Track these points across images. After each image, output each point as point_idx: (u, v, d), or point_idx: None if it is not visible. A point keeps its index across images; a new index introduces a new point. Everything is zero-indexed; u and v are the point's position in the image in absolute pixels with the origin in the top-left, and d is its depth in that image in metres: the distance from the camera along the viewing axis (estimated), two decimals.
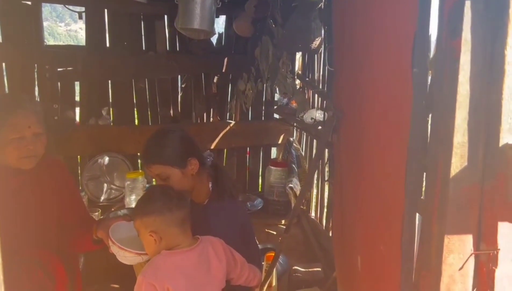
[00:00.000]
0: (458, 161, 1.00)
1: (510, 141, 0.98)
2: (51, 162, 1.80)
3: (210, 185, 1.77)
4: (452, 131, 0.99)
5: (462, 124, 0.99)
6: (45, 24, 3.17)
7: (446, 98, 1.01)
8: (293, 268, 2.56)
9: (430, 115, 1.15)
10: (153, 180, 3.33)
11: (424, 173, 1.17)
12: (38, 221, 1.70)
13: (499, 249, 1.03)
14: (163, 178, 1.63)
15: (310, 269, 2.56)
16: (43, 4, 2.90)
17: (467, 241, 1.05)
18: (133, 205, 2.82)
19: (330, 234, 2.72)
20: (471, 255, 1.05)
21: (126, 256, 1.52)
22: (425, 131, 1.18)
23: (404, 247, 1.20)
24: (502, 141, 0.99)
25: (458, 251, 1.04)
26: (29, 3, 2.81)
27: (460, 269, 1.05)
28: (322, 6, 2.37)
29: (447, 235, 1.03)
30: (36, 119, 1.62)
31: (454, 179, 1.01)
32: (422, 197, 1.19)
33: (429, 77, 1.26)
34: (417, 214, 1.24)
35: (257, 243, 1.93)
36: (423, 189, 1.20)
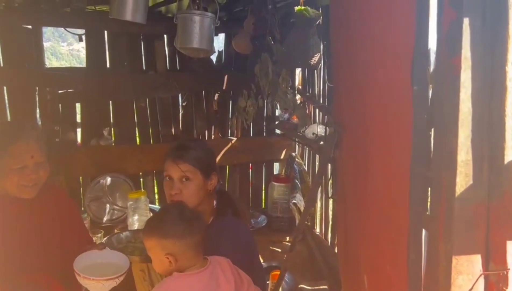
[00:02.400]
0: (463, 180, 0.98)
1: None
2: (51, 186, 1.79)
3: (214, 204, 1.76)
4: (456, 150, 0.97)
5: (465, 142, 0.97)
6: (47, 44, 3.22)
7: (448, 116, 0.99)
8: (299, 286, 2.52)
9: (432, 130, 1.14)
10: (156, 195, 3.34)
11: (429, 188, 1.15)
12: (39, 246, 1.68)
13: (509, 269, 1.01)
14: (183, 181, 1.62)
15: (316, 287, 2.52)
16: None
17: (476, 261, 1.02)
18: (136, 225, 2.81)
19: (336, 250, 2.68)
20: (480, 275, 1.02)
21: (94, 285, 1.51)
22: (427, 147, 1.16)
23: (410, 268, 1.17)
24: (507, 159, 0.97)
25: (467, 272, 1.02)
26: (30, 27, 2.84)
27: (470, 290, 1.02)
28: (320, 22, 2.38)
29: (455, 256, 1.01)
30: (39, 148, 1.60)
31: (460, 198, 0.99)
32: (428, 213, 1.17)
33: (430, 92, 1.25)
34: (424, 232, 1.22)
35: (261, 262, 1.91)
36: (429, 204, 1.18)
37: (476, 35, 0.95)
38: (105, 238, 2.08)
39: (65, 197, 1.86)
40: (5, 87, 2.84)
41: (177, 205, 1.56)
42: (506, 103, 0.95)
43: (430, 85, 1.22)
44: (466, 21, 0.94)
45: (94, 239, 2.63)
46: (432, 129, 1.13)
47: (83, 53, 3.13)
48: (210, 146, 1.80)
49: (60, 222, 1.76)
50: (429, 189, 1.15)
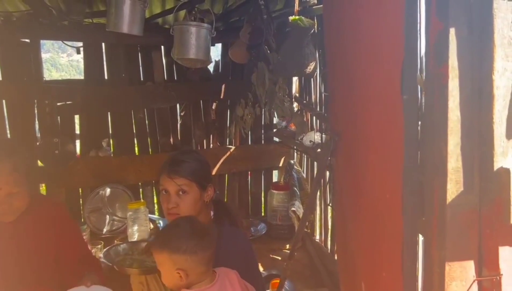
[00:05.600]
0: (454, 187, 1.00)
1: (504, 165, 0.98)
2: (51, 205, 1.78)
3: (211, 214, 1.77)
4: (446, 157, 0.99)
5: (455, 150, 0.99)
6: (47, 55, 3.26)
7: (438, 124, 1.01)
8: None
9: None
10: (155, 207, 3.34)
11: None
12: (34, 263, 1.68)
13: (501, 274, 1.02)
14: (180, 194, 1.62)
15: None
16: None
17: (469, 267, 1.03)
18: (136, 236, 2.82)
19: (335, 258, 2.68)
20: (474, 281, 1.03)
21: None
22: (420, 154, 1.17)
23: (405, 274, 1.18)
24: (496, 165, 0.98)
25: (460, 278, 1.02)
26: (28, 40, 2.87)
27: None
28: (315, 31, 2.40)
29: (448, 262, 1.02)
30: (11, 179, 1.56)
31: (451, 205, 1.00)
32: (423, 218, 1.18)
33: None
34: (420, 238, 1.22)
35: (260, 271, 1.91)
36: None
37: (463, 44, 0.96)
38: (103, 251, 2.08)
39: (63, 214, 1.84)
40: (4, 101, 2.86)
41: (188, 219, 1.53)
42: (494, 111, 0.96)
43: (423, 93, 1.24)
44: (452, 31, 0.95)
45: (93, 250, 2.65)
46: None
47: (82, 64, 3.16)
48: (205, 157, 1.78)
49: (57, 239, 1.75)
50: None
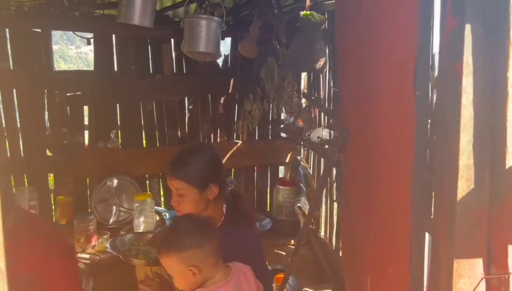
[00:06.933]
0: (464, 184, 0.99)
1: None
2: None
3: (224, 208, 1.75)
4: (457, 154, 0.99)
5: (467, 147, 0.99)
6: (56, 47, 3.27)
7: (450, 121, 1.01)
8: (303, 289, 2.53)
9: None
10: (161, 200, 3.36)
11: (433, 192, 1.16)
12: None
13: (510, 273, 1.02)
14: (180, 194, 1.62)
15: None
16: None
17: (477, 265, 1.03)
18: (142, 227, 2.84)
19: (340, 254, 2.69)
20: (482, 279, 1.03)
21: None
22: (430, 151, 1.17)
23: (412, 271, 1.18)
24: (508, 164, 0.98)
25: (468, 275, 1.02)
26: (39, 30, 2.88)
27: None
28: (326, 27, 2.40)
29: (456, 259, 1.02)
30: None
31: (461, 202, 1.00)
32: (432, 216, 1.18)
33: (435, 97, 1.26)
34: (427, 236, 1.22)
35: (269, 269, 1.89)
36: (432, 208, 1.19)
37: (478, 41, 0.96)
38: (110, 240, 2.10)
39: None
40: (14, 90, 2.88)
41: (187, 216, 1.52)
42: (508, 109, 0.96)
43: (434, 90, 1.24)
44: (467, 28, 0.95)
45: (100, 240, 2.68)
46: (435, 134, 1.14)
47: (90, 56, 3.17)
48: (214, 153, 1.72)
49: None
50: (433, 193, 1.16)
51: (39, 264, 1.43)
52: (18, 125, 2.92)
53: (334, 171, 2.54)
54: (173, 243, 1.35)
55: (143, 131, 3.31)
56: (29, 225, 1.50)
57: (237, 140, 3.50)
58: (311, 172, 3.38)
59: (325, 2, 2.58)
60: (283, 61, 2.60)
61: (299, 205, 2.89)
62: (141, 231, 2.79)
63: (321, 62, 2.31)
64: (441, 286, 1.06)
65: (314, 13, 2.27)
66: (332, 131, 2.25)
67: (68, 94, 3.00)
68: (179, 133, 3.37)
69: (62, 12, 2.82)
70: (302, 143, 3.22)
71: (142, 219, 2.86)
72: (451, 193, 1.01)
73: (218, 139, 3.52)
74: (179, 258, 1.33)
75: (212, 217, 1.71)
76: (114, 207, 3.11)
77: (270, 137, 3.60)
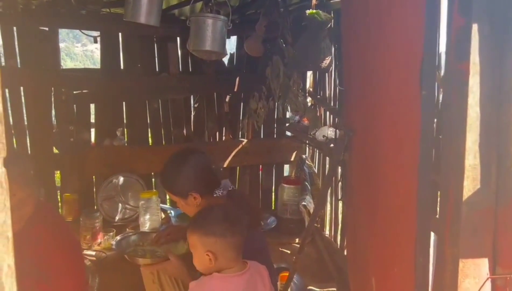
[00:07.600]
0: (470, 184, 0.99)
1: None
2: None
3: None
4: (463, 154, 0.98)
5: (473, 146, 0.98)
6: (62, 45, 3.28)
7: (456, 120, 1.00)
8: (308, 288, 2.53)
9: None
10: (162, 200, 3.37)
11: (438, 192, 1.16)
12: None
13: None
14: (174, 200, 1.73)
15: (325, 289, 2.52)
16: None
17: (483, 265, 1.03)
18: (148, 225, 2.85)
19: (345, 253, 2.69)
20: (487, 279, 1.03)
21: None
22: (436, 151, 1.17)
23: (418, 270, 1.18)
24: None
25: (474, 275, 1.02)
26: (46, 29, 2.90)
27: None
28: (332, 25, 2.39)
29: (461, 259, 1.02)
30: None
31: (467, 202, 1.00)
32: (437, 216, 1.18)
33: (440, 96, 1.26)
34: (433, 236, 1.22)
35: (274, 268, 1.90)
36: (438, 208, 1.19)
37: (485, 41, 0.96)
38: (115, 241, 2.11)
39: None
40: (21, 88, 2.90)
41: (223, 206, 1.57)
42: None
43: (441, 90, 1.24)
44: (474, 27, 0.95)
45: (106, 237, 2.69)
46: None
47: (96, 54, 3.19)
48: (189, 163, 1.73)
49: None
50: (438, 192, 1.16)
51: (45, 251, 1.47)
52: (25, 123, 2.95)
53: (339, 170, 2.54)
54: (201, 225, 1.45)
55: (149, 130, 3.33)
56: (40, 212, 1.55)
57: (243, 139, 3.50)
58: (316, 170, 3.38)
59: (331, 1, 2.57)
60: (288, 60, 2.60)
61: (304, 203, 2.89)
62: (147, 228, 2.80)
63: (326, 61, 2.31)
64: (446, 285, 1.06)
65: (320, 11, 2.26)
66: (337, 130, 2.25)
67: (74, 92, 3.02)
68: (184, 131, 3.38)
69: (69, 11, 2.84)
70: (307, 142, 3.22)
71: (147, 216, 2.87)
72: (456, 193, 1.01)
73: (224, 137, 3.53)
74: (200, 240, 1.42)
75: None
76: (120, 205, 3.13)
77: (275, 136, 3.61)
